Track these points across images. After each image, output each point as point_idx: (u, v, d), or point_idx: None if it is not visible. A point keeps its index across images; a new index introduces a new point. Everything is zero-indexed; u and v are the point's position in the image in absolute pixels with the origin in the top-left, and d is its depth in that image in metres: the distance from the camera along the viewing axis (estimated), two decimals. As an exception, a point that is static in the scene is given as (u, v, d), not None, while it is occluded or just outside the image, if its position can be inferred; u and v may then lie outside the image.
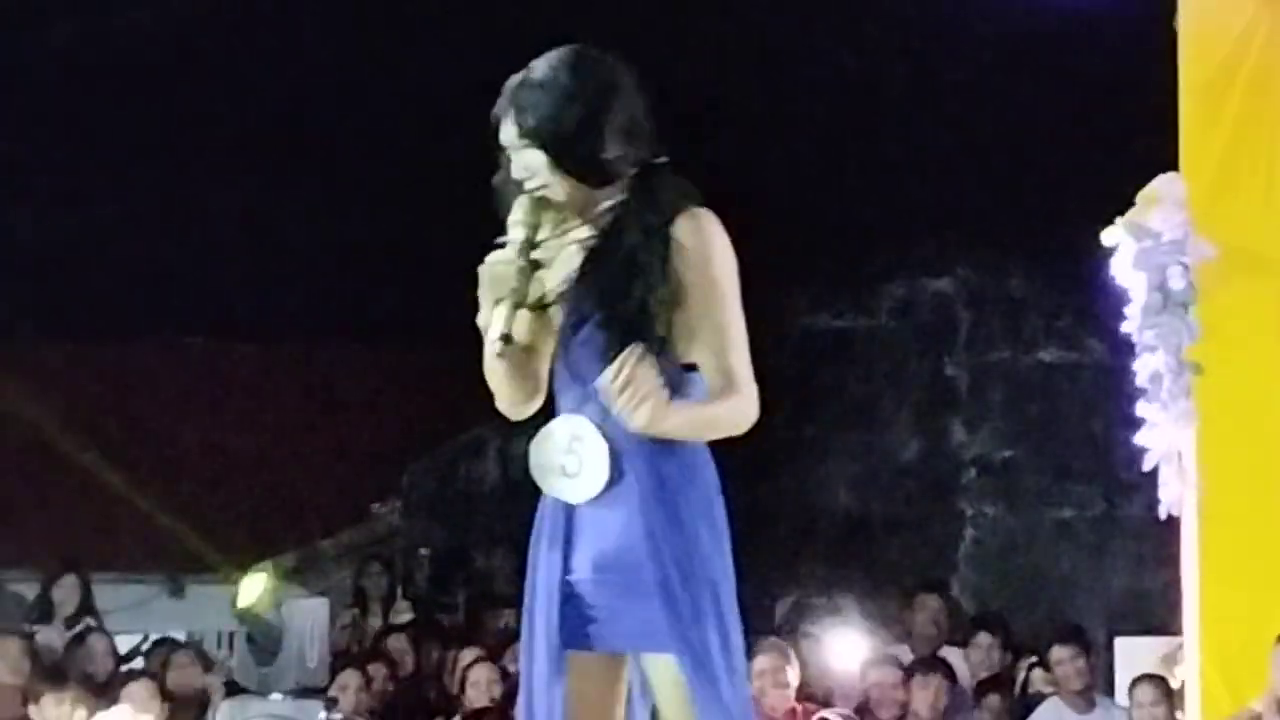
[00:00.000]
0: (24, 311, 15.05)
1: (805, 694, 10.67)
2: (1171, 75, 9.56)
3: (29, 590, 14.03)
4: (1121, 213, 9.51)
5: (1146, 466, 9.49)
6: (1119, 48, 10.00)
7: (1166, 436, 9.43)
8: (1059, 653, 10.65)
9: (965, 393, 15.35)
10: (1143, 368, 9.45)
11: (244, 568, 13.20)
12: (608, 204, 4.88)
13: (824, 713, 10.12)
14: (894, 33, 12.87)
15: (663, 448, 4.88)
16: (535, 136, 4.80)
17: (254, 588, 11.93)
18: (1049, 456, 14.68)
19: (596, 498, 4.87)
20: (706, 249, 4.91)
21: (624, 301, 4.79)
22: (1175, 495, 9.45)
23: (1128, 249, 9.45)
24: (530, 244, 4.84)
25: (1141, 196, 9.51)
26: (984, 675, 11.08)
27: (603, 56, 4.91)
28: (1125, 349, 9.57)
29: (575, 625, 4.91)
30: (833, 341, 15.32)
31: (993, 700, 10.73)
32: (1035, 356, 14.88)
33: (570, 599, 4.91)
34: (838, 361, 15.23)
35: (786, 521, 15.17)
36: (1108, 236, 9.51)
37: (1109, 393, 9.96)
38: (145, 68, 13.20)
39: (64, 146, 13.66)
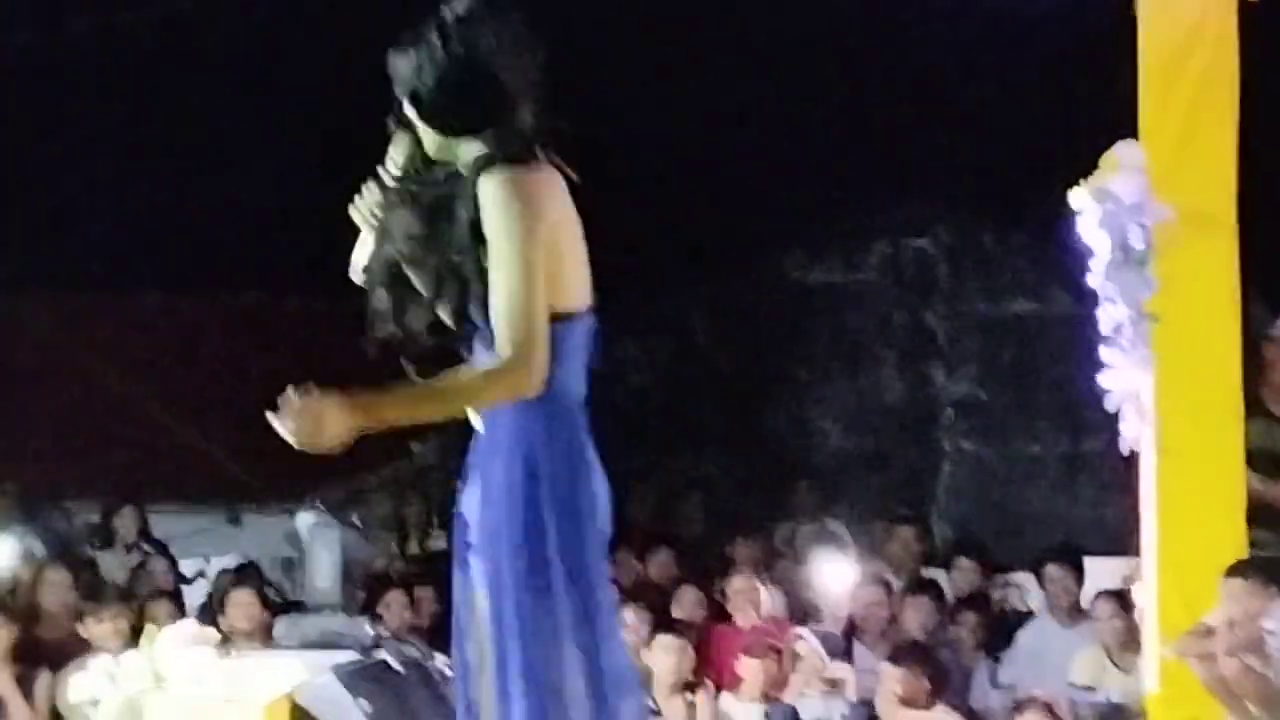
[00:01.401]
0: (94, 262, 15.08)
1: (795, 613, 10.71)
2: (1132, 51, 9.54)
3: (95, 518, 14.09)
4: (1086, 177, 9.50)
5: (1109, 407, 9.50)
6: (1084, 27, 9.96)
7: (1127, 379, 9.44)
8: (1052, 571, 10.64)
9: (944, 340, 15.36)
10: (1106, 318, 9.45)
11: (296, 498, 13.23)
12: (466, 159, 4.53)
13: (799, 630, 10.15)
14: (878, 16, 12.82)
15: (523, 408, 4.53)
16: (403, 85, 4.51)
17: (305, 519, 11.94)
18: (1021, 398, 14.70)
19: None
20: (491, 210, 4.41)
21: (432, 252, 4.53)
22: (1135, 432, 9.46)
23: (1092, 211, 9.44)
24: (395, 177, 4.58)
25: (1104, 162, 9.49)
26: (962, 595, 11.09)
27: (478, 19, 4.45)
28: (1090, 300, 9.55)
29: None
30: (824, 294, 15.32)
31: (969, 617, 10.73)
32: (1008, 308, 14.89)
33: None
34: (828, 312, 15.24)
35: (782, 456, 15.19)
36: (1074, 199, 9.49)
37: (1075, 340, 9.91)
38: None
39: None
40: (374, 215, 4.62)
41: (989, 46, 12.63)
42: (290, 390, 4.34)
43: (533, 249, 4.42)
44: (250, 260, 14.98)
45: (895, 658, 9.79)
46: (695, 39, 13.70)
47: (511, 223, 4.41)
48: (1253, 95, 9.50)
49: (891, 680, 9.61)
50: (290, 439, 4.33)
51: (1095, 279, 9.48)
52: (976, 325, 15.19)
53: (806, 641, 9.94)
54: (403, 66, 4.52)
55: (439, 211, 4.53)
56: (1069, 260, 9.72)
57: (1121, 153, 9.48)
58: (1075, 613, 10.30)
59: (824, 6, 12.88)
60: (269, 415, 4.36)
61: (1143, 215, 9.34)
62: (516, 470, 4.58)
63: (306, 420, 4.31)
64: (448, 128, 4.54)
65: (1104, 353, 9.46)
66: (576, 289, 4.62)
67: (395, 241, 4.57)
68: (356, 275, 4.65)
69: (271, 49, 13.16)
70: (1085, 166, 9.53)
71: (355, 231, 4.70)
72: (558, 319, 4.53)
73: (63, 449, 15.18)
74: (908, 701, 9.56)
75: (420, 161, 4.59)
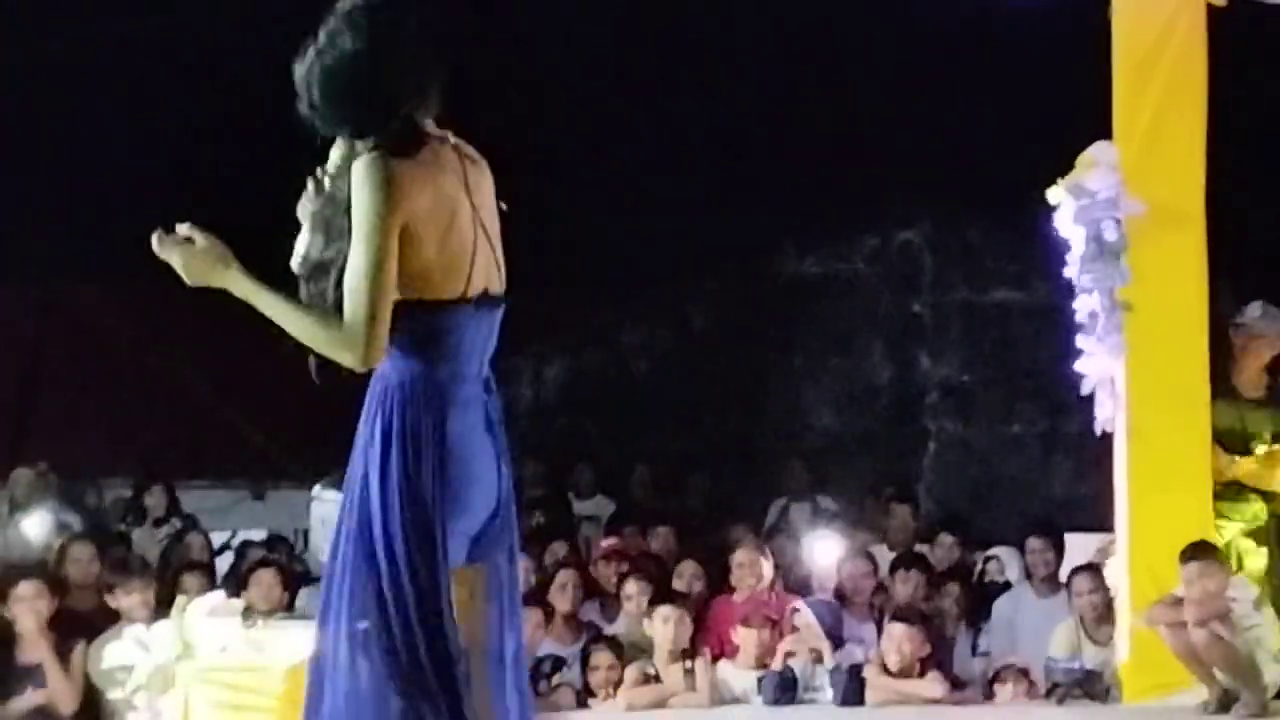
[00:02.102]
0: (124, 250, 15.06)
1: (788, 585, 10.72)
2: (1106, 56, 9.56)
3: (126, 494, 14.11)
4: (1063, 175, 9.53)
5: (1084, 390, 9.54)
6: (1061, 33, 9.99)
7: (1101, 365, 9.48)
8: (1033, 543, 10.65)
9: (929, 328, 15.37)
10: (1081, 306, 9.49)
11: (316, 475, 13.26)
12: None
13: (796, 601, 10.16)
14: (865, 21, 12.86)
15: None
16: (300, 95, 4.42)
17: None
18: (1001, 382, 14.71)
19: None
20: (353, 193, 4.32)
21: (334, 244, 4.46)
22: (1108, 414, 9.51)
23: (1068, 205, 9.48)
24: (330, 176, 4.50)
25: (1080, 160, 9.53)
26: (945, 568, 11.09)
27: (351, 27, 4.31)
28: (1066, 290, 9.60)
29: None
30: (816, 284, 15.33)
31: (952, 588, 10.74)
32: (989, 297, 14.89)
33: None
34: (820, 301, 15.24)
35: (777, 436, 15.21)
36: (1051, 195, 9.54)
37: (1053, 328, 9.97)
38: None
39: None
40: (308, 211, 4.60)
41: (972, 51, 12.67)
42: (181, 228, 4.58)
43: (384, 234, 4.28)
44: (272, 248, 15.01)
45: (900, 618, 9.82)
46: (691, 43, 13.72)
47: (362, 202, 4.31)
48: (1220, 96, 9.53)
49: (900, 639, 9.63)
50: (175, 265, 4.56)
51: (1071, 270, 9.53)
52: (960, 313, 15.19)
53: (803, 613, 9.95)
54: (297, 77, 4.42)
55: (329, 201, 4.50)
56: (1047, 252, 9.76)
57: (1096, 151, 9.53)
58: (1053, 584, 10.32)
59: (813, 11, 12.91)
60: (156, 238, 4.61)
61: (1116, 210, 9.38)
62: (374, 436, 4.49)
63: (179, 255, 4.59)
64: (338, 131, 4.46)
65: (1079, 340, 9.50)
66: (448, 279, 4.44)
67: (318, 235, 4.52)
68: (295, 266, 4.61)
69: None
70: (1063, 164, 9.58)
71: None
72: (425, 306, 4.41)
73: (96, 429, 15.20)
74: (909, 663, 9.58)
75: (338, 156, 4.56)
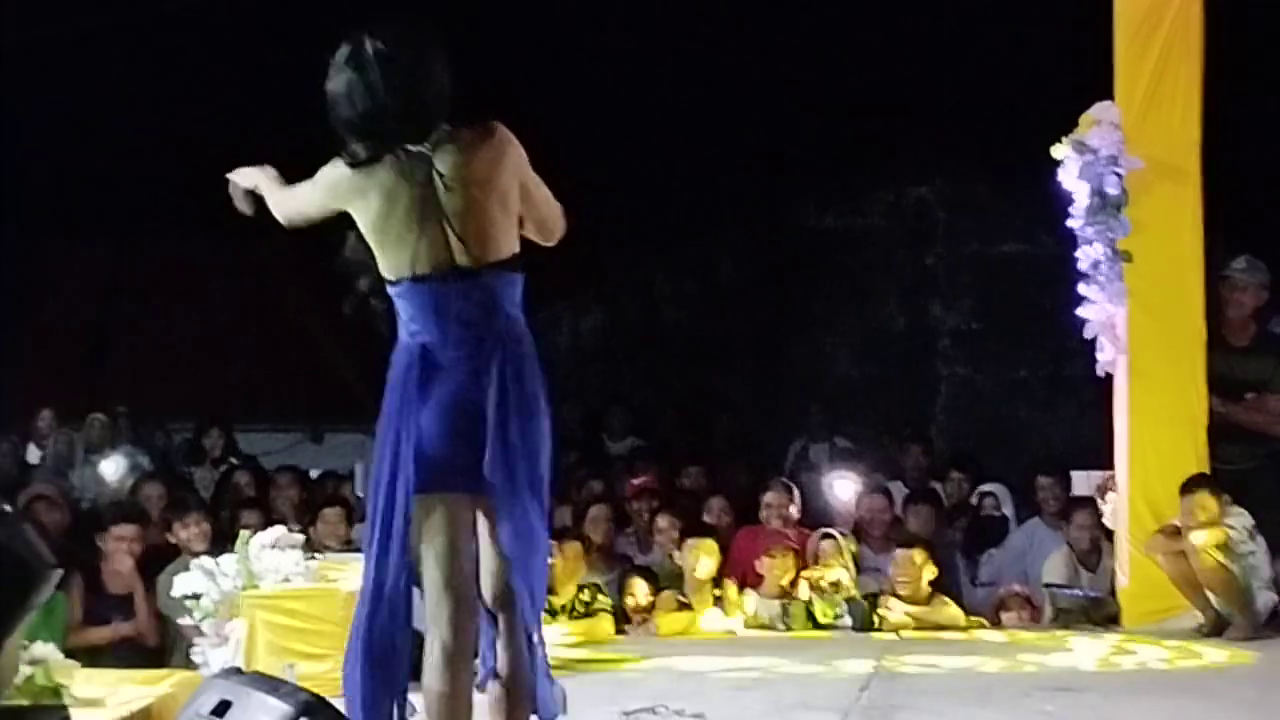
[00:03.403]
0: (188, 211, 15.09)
1: (808, 519, 10.71)
2: (1108, 20, 9.50)
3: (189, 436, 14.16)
4: (1068, 133, 9.49)
5: (1087, 335, 9.51)
6: (1066, -1, 9.98)
7: (1103, 311, 9.45)
8: (1042, 480, 10.66)
9: (941, 278, 15.32)
10: (1084, 256, 9.47)
11: (371, 418, 13.26)
12: None
13: (831, 530, 10.16)
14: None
15: None
16: None
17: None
18: (1009, 328, 14.65)
19: None
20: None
21: None
22: (1110, 358, 9.49)
23: (1072, 162, 9.45)
24: None
25: (1083, 119, 9.51)
26: (956, 502, 11.09)
27: (343, 65, 4.70)
28: (1070, 241, 9.56)
29: None
30: (835, 237, 15.28)
31: (960, 523, 10.76)
32: (998, 248, 14.82)
33: None
34: (839, 253, 15.19)
35: (797, 381, 15.19)
36: (1056, 151, 9.51)
37: (1057, 276, 9.90)
38: None
39: None
40: None
41: (982, 16, 12.61)
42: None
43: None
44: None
45: (909, 544, 9.84)
46: (717, 16, 13.67)
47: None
48: (1216, 58, 9.47)
49: (906, 562, 9.64)
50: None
51: (1075, 222, 9.49)
52: (970, 264, 15.14)
53: (834, 542, 9.95)
54: None
55: None
56: (1053, 205, 9.72)
57: (1098, 111, 9.49)
58: (1062, 518, 10.30)
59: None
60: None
61: (1117, 166, 9.36)
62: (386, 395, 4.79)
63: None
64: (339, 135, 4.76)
65: (1083, 288, 9.47)
66: (398, 264, 4.69)
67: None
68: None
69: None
70: (1067, 122, 9.55)
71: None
72: (392, 285, 4.71)
73: (167, 375, 15.24)
74: (915, 591, 9.59)
75: None
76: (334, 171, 4.72)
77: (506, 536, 4.67)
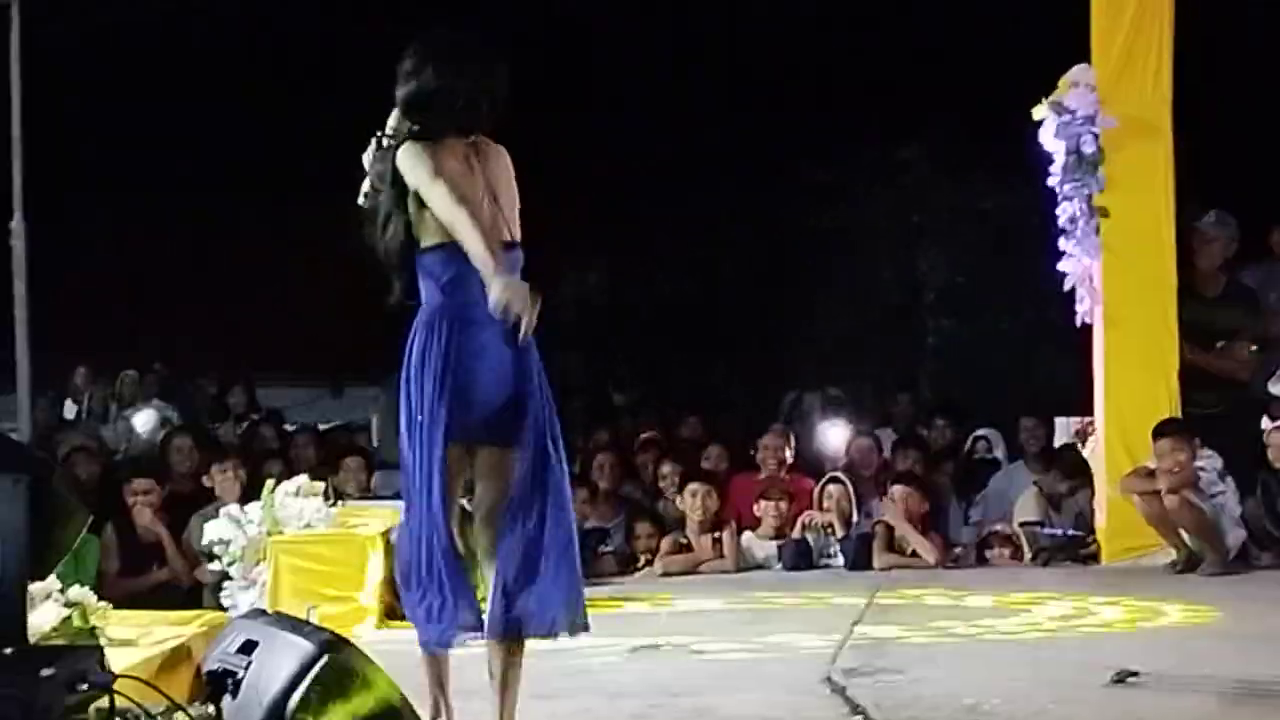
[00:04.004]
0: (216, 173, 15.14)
1: (803, 464, 10.77)
2: (1084, -12, 9.53)
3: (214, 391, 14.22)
4: (1047, 94, 9.51)
5: (1066, 287, 9.55)
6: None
7: (1081, 264, 9.49)
8: (1025, 423, 10.73)
9: (928, 232, 15.33)
10: (1063, 212, 9.51)
11: (388, 374, 13.29)
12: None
13: (831, 474, 10.24)
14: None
15: None
16: None
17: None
18: (992, 281, 14.65)
19: None
20: (405, 166, 4.91)
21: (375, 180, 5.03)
22: (1087, 308, 9.52)
23: (1051, 122, 9.48)
24: (387, 136, 5.06)
25: (1062, 81, 9.54)
26: (940, 447, 11.13)
27: (416, 54, 4.96)
28: (1050, 197, 9.59)
29: None
30: (826, 195, 15.27)
31: (948, 465, 10.81)
32: (980, 204, 14.82)
33: None
34: (830, 209, 15.19)
35: (791, 332, 15.23)
36: (1036, 112, 9.54)
37: (1037, 231, 9.94)
38: None
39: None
40: (370, 161, 5.07)
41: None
42: None
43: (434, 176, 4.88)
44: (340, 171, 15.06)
45: (900, 480, 9.92)
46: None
47: (418, 172, 4.87)
48: (1186, 20, 9.50)
49: (901, 497, 9.73)
50: None
51: (1054, 179, 9.53)
52: (955, 219, 15.15)
53: (842, 486, 10.02)
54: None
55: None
56: (1032, 163, 9.75)
57: (1076, 73, 9.52)
58: (1043, 459, 10.34)
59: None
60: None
61: (1093, 125, 9.39)
62: (408, 350, 4.97)
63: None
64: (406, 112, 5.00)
65: (1061, 242, 9.52)
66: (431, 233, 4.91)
67: (372, 181, 5.04)
68: (360, 201, 5.08)
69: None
70: (1046, 84, 9.57)
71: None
72: (442, 249, 4.87)
73: (197, 332, 15.30)
74: (910, 517, 9.68)
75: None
76: (412, 148, 4.88)
77: (534, 486, 4.84)
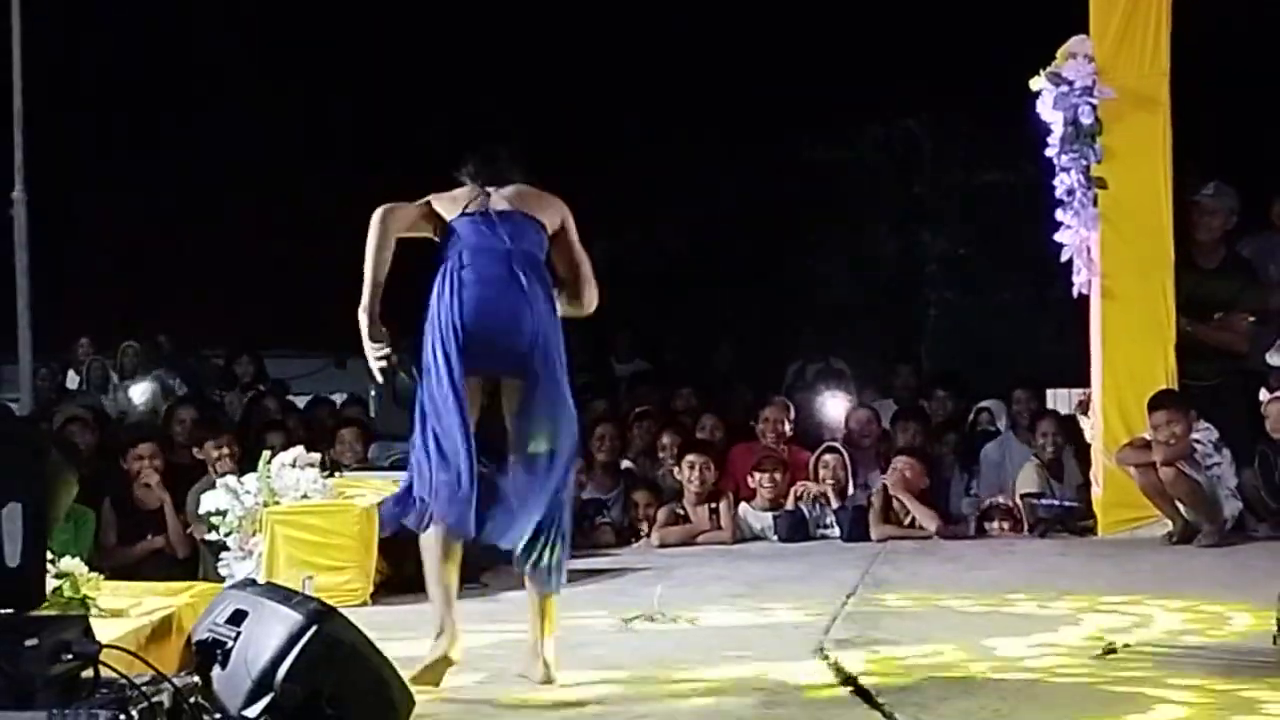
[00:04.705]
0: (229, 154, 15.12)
1: (804, 435, 10.73)
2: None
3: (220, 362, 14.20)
4: (1044, 65, 9.45)
5: (1063, 258, 9.50)
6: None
7: (1079, 235, 9.44)
8: (1018, 394, 10.70)
9: (929, 205, 15.28)
10: (1060, 183, 9.44)
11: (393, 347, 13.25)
12: None
13: (828, 444, 10.21)
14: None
15: None
16: None
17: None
18: (992, 253, 14.62)
19: None
20: None
21: None
22: (1084, 280, 9.47)
23: (1049, 93, 9.42)
24: None
25: (1059, 53, 9.47)
26: (941, 419, 11.09)
27: None
28: (1048, 169, 9.54)
29: None
30: (828, 167, 15.23)
31: (950, 437, 10.77)
32: (981, 177, 14.76)
33: None
34: (832, 182, 15.14)
35: (794, 305, 15.19)
36: (1034, 84, 9.47)
37: (1036, 203, 9.89)
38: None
39: None
40: None
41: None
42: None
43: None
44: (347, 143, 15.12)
45: (903, 451, 9.90)
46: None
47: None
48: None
49: (904, 466, 9.71)
50: None
51: (1052, 150, 9.47)
52: (955, 192, 15.10)
53: (838, 456, 9.99)
54: None
55: None
56: (1031, 135, 9.69)
57: (1073, 45, 9.45)
58: (1033, 432, 10.30)
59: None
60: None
61: (1091, 96, 9.32)
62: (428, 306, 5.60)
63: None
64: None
65: (1059, 213, 9.46)
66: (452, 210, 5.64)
67: None
68: None
69: None
70: (1044, 56, 9.51)
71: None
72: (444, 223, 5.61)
73: (201, 304, 15.27)
74: (911, 487, 9.66)
75: None
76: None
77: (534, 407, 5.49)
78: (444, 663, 5.31)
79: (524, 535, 5.44)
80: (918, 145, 15.10)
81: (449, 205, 5.62)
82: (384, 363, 5.53)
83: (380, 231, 5.50)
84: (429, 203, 5.63)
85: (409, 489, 5.53)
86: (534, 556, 5.45)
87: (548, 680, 5.35)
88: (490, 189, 5.62)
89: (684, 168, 15.17)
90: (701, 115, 14.59)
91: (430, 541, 5.45)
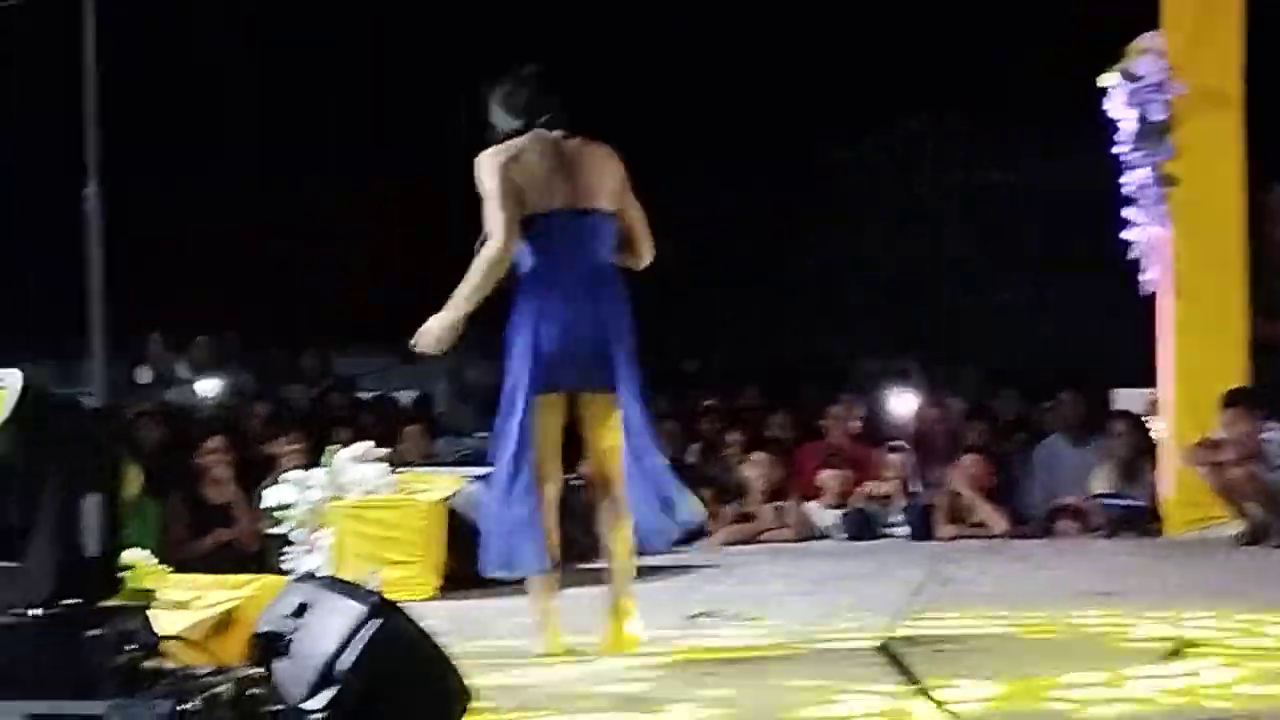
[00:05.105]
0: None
1: (872, 433, 10.68)
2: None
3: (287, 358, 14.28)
4: (1115, 62, 9.37)
5: (1131, 255, 9.41)
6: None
7: (1148, 232, 9.36)
8: (1065, 396, 10.61)
9: (1000, 200, 15.21)
10: (1131, 180, 9.36)
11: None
12: None
13: (892, 443, 10.16)
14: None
15: None
16: None
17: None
18: (1064, 248, 14.51)
19: None
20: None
21: None
22: (1154, 277, 9.39)
23: (1120, 89, 9.34)
24: None
25: (1130, 49, 9.40)
26: (1009, 418, 11.02)
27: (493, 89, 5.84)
28: (1118, 166, 9.45)
29: None
30: (898, 167, 15.17)
31: (1020, 436, 10.71)
32: (1048, 174, 14.66)
33: None
34: (899, 182, 15.09)
35: (864, 302, 15.16)
36: (1105, 80, 9.39)
37: (1108, 199, 9.80)
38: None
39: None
40: None
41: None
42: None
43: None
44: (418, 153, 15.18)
45: (971, 450, 9.83)
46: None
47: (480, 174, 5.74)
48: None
49: (968, 466, 9.64)
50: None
51: (1123, 147, 9.39)
52: (1031, 189, 15.01)
53: (903, 455, 9.95)
54: None
55: None
56: (1102, 131, 9.61)
57: (1145, 40, 9.37)
58: (1083, 434, 10.20)
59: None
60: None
61: (1162, 92, 9.24)
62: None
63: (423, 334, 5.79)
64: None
65: (1129, 210, 9.38)
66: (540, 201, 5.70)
67: None
68: None
69: None
70: (1115, 52, 9.42)
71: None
72: (525, 220, 5.66)
73: (269, 300, 15.38)
74: (978, 485, 9.59)
75: None
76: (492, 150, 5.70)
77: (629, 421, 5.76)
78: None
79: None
80: (985, 139, 15.01)
81: (529, 182, 5.67)
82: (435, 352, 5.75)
83: (495, 274, 5.63)
84: (518, 194, 5.66)
85: None
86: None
87: (629, 639, 5.72)
88: (557, 134, 5.74)
89: (750, 164, 15.16)
90: (769, 117, 14.61)
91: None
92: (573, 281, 5.64)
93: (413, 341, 5.77)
